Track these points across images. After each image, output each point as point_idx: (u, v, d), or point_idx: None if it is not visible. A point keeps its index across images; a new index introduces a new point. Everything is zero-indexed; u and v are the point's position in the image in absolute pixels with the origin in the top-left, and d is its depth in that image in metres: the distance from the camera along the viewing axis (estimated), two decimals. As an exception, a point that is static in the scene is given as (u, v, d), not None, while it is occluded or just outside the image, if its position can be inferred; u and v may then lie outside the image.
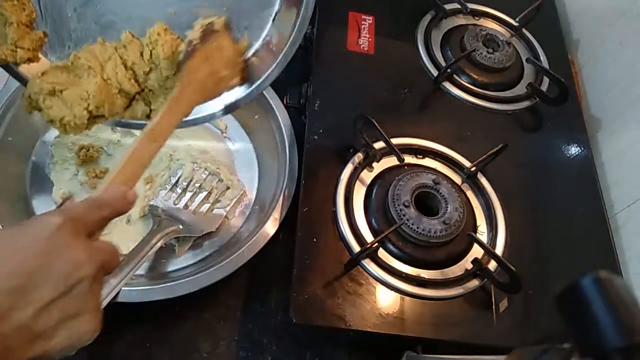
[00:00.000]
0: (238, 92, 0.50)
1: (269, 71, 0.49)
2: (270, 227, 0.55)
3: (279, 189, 0.58)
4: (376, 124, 0.56)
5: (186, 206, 0.59)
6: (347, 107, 0.62)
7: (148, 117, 0.51)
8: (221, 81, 0.46)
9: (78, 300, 0.29)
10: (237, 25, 0.49)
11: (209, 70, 0.45)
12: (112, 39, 0.48)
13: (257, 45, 0.50)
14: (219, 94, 0.48)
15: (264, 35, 0.49)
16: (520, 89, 0.70)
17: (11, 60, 0.47)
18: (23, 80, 0.49)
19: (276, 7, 0.48)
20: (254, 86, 0.50)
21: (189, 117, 0.50)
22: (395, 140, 0.58)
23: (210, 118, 0.51)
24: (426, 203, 0.56)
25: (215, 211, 0.60)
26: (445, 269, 0.53)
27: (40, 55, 0.49)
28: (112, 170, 0.38)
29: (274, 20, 0.49)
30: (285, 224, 0.55)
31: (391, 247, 0.53)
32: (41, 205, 0.57)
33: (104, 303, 0.46)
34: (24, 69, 0.48)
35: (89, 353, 0.51)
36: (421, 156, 0.61)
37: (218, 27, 0.46)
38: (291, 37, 0.47)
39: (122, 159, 0.39)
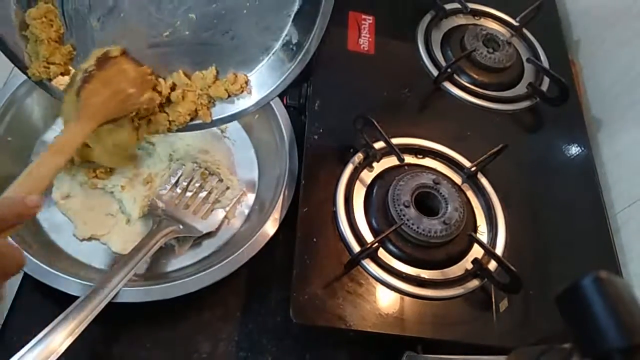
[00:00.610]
0: (265, 89, 0.52)
1: (290, 70, 0.50)
2: (270, 227, 0.55)
3: (279, 189, 0.58)
4: (376, 124, 0.56)
5: (186, 206, 0.58)
6: (347, 107, 0.62)
7: (169, 129, 0.53)
8: (129, 98, 0.49)
9: None
10: (257, 25, 0.49)
11: (110, 91, 0.48)
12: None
13: (277, 45, 0.50)
14: (132, 109, 0.50)
15: (283, 35, 0.50)
16: (521, 89, 0.70)
17: (45, 77, 0.49)
18: (55, 94, 0.50)
19: (296, 7, 0.48)
20: (278, 82, 0.51)
21: (225, 114, 0.54)
22: (395, 140, 0.58)
23: (244, 113, 0.54)
24: (426, 203, 0.56)
25: (215, 211, 0.59)
26: (445, 269, 0.53)
27: (70, 68, 0.50)
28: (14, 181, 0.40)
29: (293, 20, 0.49)
30: (285, 224, 0.55)
31: (391, 247, 0.53)
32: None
33: (105, 302, 0.46)
34: (55, 81, 0.50)
35: (89, 353, 0.51)
36: (421, 156, 0.61)
37: (115, 53, 0.49)
38: (312, 35, 0.48)
39: (25, 171, 0.41)
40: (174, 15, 0.48)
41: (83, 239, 0.56)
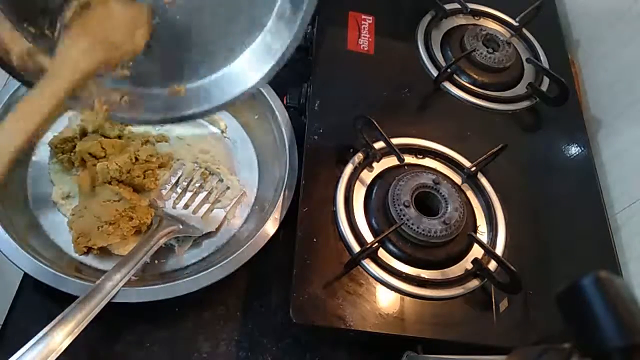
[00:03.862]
0: (261, 70, 0.49)
1: (287, 44, 0.47)
2: (270, 227, 0.55)
3: (279, 189, 0.58)
4: (376, 124, 0.56)
5: (186, 206, 0.59)
6: (347, 107, 0.62)
7: None
8: (120, 46, 0.43)
9: None
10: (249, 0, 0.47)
11: (91, 40, 0.41)
12: None
13: (270, 21, 0.48)
14: (127, 57, 0.44)
15: (276, 8, 0.47)
16: (520, 89, 0.70)
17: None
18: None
19: None
20: (273, 62, 0.48)
21: (217, 102, 0.50)
22: (395, 140, 0.58)
23: (234, 100, 0.50)
24: (426, 203, 0.56)
25: (215, 211, 0.59)
26: (445, 269, 0.53)
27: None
28: None
29: None
30: (285, 224, 0.55)
31: (391, 247, 0.53)
32: (41, 205, 0.57)
33: (104, 302, 0.46)
34: None
35: (89, 353, 0.51)
36: (421, 156, 0.61)
37: None
38: (304, 6, 0.45)
39: None
40: None
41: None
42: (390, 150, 0.57)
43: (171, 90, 0.49)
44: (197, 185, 0.60)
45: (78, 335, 0.44)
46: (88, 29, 0.41)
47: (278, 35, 0.48)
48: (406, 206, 0.53)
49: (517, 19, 0.76)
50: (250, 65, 0.50)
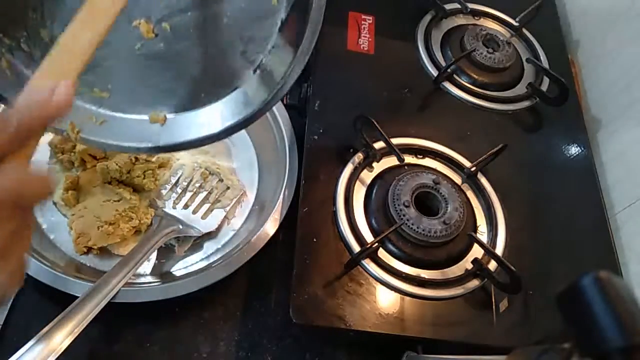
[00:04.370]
0: (245, 110, 0.46)
1: (277, 86, 0.44)
2: (270, 227, 0.55)
3: (279, 189, 0.58)
4: (376, 124, 0.56)
5: (186, 206, 0.59)
6: (347, 107, 0.62)
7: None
8: None
9: None
10: (239, 36, 0.45)
11: None
12: None
13: (263, 57, 0.45)
14: None
15: (269, 47, 0.45)
16: (520, 89, 0.70)
17: None
18: None
19: (282, 15, 0.43)
20: (263, 102, 0.45)
21: (190, 138, 0.46)
22: (395, 140, 0.58)
23: (211, 139, 0.46)
24: (426, 203, 0.56)
25: (215, 211, 0.60)
26: (445, 269, 0.53)
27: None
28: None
29: (280, 29, 0.44)
30: (285, 224, 0.55)
31: (391, 247, 0.53)
32: (41, 205, 0.57)
33: (104, 302, 0.46)
34: None
35: (89, 353, 0.51)
36: (421, 156, 0.61)
37: None
38: (300, 47, 0.43)
39: (51, 51, 0.29)
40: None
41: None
42: (390, 150, 0.57)
43: (151, 118, 0.46)
44: (197, 185, 0.60)
45: (78, 335, 0.44)
46: None
47: (262, 87, 0.45)
48: (406, 206, 0.53)
49: (517, 19, 0.76)
50: (236, 107, 0.47)
